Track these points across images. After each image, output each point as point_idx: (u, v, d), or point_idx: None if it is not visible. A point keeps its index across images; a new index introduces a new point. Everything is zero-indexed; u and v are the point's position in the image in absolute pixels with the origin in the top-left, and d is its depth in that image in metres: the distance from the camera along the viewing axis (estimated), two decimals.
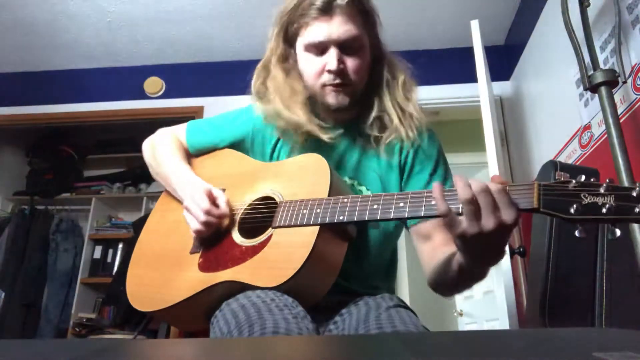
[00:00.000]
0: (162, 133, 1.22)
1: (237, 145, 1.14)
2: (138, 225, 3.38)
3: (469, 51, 2.37)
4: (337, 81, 0.98)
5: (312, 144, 1.02)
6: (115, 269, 3.38)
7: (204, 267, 0.96)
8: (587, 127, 2.04)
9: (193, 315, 0.96)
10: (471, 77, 2.39)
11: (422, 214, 0.78)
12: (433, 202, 0.75)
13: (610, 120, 1.50)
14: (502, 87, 3.07)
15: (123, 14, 2.93)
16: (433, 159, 1.05)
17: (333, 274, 0.90)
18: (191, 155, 1.19)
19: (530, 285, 1.49)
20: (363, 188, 1.03)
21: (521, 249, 2.10)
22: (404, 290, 3.84)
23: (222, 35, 3.12)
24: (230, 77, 3.23)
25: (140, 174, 3.78)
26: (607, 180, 0.65)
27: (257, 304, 0.79)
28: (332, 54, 0.97)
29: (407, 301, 1.10)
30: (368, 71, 1.04)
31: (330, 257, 0.90)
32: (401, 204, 0.80)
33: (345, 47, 0.98)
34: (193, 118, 3.20)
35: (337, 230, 0.90)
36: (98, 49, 3.26)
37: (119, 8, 2.88)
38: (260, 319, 0.75)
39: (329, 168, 0.94)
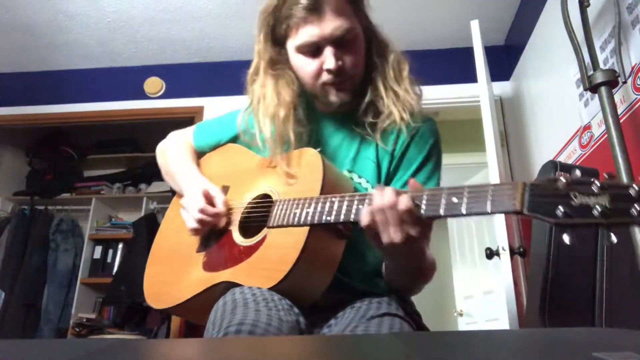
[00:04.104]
0: (173, 136, 1.25)
1: (238, 141, 1.14)
2: (138, 225, 3.39)
3: (469, 51, 2.37)
4: (338, 79, 0.96)
5: (308, 137, 1.02)
6: (115, 269, 3.38)
7: (207, 266, 0.98)
8: (587, 127, 2.04)
9: (201, 312, 0.98)
10: (471, 77, 2.39)
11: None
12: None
13: (610, 120, 1.50)
14: (502, 87, 3.07)
15: (123, 14, 2.93)
16: (422, 155, 1.01)
17: (329, 273, 0.89)
18: (200, 155, 1.22)
19: (530, 285, 1.49)
20: (362, 180, 1.01)
21: (521, 249, 2.10)
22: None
23: (222, 35, 3.12)
24: (230, 77, 3.21)
25: (140, 174, 3.78)
26: (605, 176, 0.58)
27: (237, 300, 0.81)
28: (328, 52, 0.94)
29: None
30: (364, 57, 1.01)
31: (325, 257, 0.89)
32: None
33: (339, 42, 0.95)
34: (193, 118, 3.21)
35: (330, 230, 0.88)
36: (98, 49, 3.26)
37: (119, 8, 2.88)
38: (231, 314, 0.76)
39: (322, 163, 0.92)
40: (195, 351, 0.50)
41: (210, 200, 1.00)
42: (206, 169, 1.15)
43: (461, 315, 4.01)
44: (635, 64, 1.69)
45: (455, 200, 0.69)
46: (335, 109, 1.03)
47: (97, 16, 2.95)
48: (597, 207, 0.56)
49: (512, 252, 2.02)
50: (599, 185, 0.57)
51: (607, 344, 0.47)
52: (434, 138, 1.04)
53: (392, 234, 0.73)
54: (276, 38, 1.00)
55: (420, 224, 0.73)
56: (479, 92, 2.31)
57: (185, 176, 1.11)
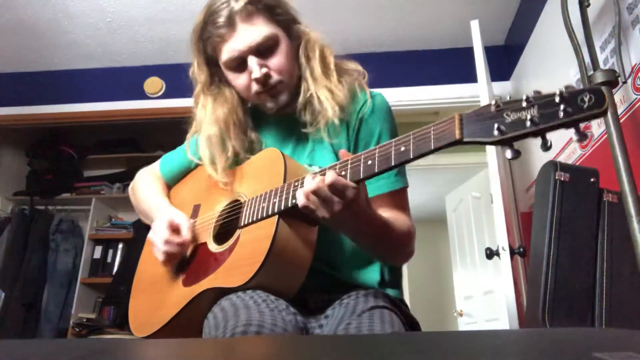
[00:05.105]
0: (141, 173, 1.27)
1: None
2: (138, 225, 3.39)
3: (469, 51, 2.36)
4: (268, 86, 0.99)
5: (260, 146, 1.06)
6: (115, 269, 3.38)
7: (187, 281, 0.99)
8: (587, 127, 2.04)
9: (190, 329, 0.96)
10: (471, 77, 2.39)
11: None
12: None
13: (610, 120, 1.49)
14: (502, 87, 3.07)
15: (123, 14, 2.93)
16: (375, 135, 1.02)
17: (305, 261, 0.89)
18: (171, 185, 1.23)
19: (530, 285, 1.49)
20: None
21: (521, 249, 2.10)
22: (403, 289, 3.84)
23: None
24: None
25: None
26: (532, 93, 0.61)
27: (236, 303, 0.81)
28: (252, 63, 0.97)
29: (407, 301, 1.08)
30: (294, 59, 1.03)
31: (298, 244, 0.88)
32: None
33: (261, 50, 0.97)
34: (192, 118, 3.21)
35: (299, 215, 0.86)
36: (98, 49, 3.26)
37: (119, 8, 2.88)
38: (234, 316, 0.76)
39: (282, 156, 0.94)
40: (196, 351, 0.50)
41: (175, 228, 1.01)
42: (177, 198, 1.18)
43: (461, 315, 4.01)
44: (635, 64, 1.69)
45: (403, 149, 0.72)
46: (282, 112, 1.05)
47: (97, 16, 2.95)
48: (528, 118, 0.60)
49: (512, 252, 2.02)
50: (525, 99, 0.61)
51: (607, 344, 0.47)
52: (383, 111, 1.05)
53: (328, 209, 0.77)
54: (209, 59, 1.05)
55: (351, 192, 0.76)
56: (479, 92, 2.31)
57: (154, 210, 1.12)
